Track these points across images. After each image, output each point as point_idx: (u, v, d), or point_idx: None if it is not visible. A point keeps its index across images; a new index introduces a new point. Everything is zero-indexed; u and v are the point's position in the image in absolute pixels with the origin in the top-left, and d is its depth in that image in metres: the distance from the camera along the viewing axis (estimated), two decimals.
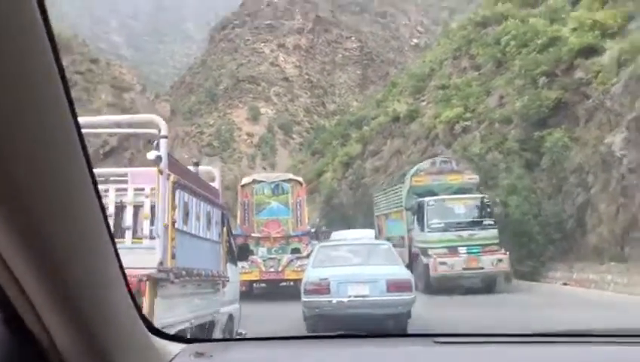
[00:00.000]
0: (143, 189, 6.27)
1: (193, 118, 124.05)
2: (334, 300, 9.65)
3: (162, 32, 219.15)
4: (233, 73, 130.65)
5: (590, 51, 23.25)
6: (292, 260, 16.45)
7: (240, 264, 10.64)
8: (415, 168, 23.38)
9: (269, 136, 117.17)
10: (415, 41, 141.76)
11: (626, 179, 17.59)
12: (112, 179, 6.72)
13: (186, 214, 6.02)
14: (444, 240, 18.84)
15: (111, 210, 5.92)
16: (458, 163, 23.14)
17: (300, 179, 18.82)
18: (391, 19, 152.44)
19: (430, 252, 18.81)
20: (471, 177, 21.97)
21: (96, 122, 7.27)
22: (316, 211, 50.33)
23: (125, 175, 6.77)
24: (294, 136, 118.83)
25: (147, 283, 4.81)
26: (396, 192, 24.06)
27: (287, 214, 17.66)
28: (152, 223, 5.74)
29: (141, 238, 6.02)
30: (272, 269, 16.03)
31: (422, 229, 19.74)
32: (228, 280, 7.76)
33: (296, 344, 1.72)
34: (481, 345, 1.57)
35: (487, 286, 18.39)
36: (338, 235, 23.77)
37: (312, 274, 10.26)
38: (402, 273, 10.25)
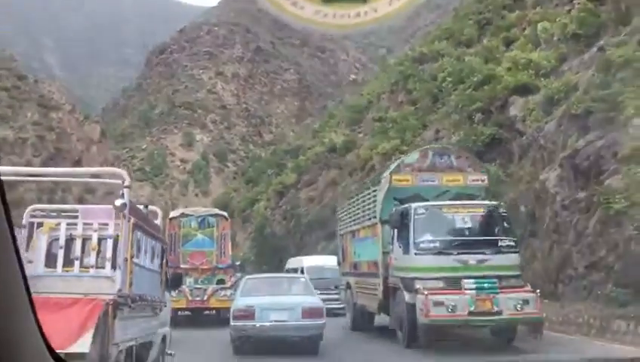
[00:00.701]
0: (91, 224, 7.06)
1: (125, 141, 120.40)
2: (258, 324, 11.38)
3: (98, 55, 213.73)
4: (169, 98, 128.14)
5: (524, 90, 23.52)
6: (217, 290, 17.57)
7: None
8: (397, 162, 15.72)
9: (203, 163, 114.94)
10: (353, 76, 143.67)
11: (559, 216, 17.48)
12: (63, 214, 7.70)
13: (139, 249, 6.96)
14: (439, 268, 12.07)
15: (61, 242, 6.88)
16: (459, 156, 15.38)
17: (225, 214, 19.65)
18: (330, 55, 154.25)
19: (418, 285, 11.88)
20: (477, 178, 14.84)
21: (65, 173, 8.50)
22: (248, 241, 48.97)
23: (76, 210, 7.66)
24: (229, 164, 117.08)
25: (110, 306, 5.50)
26: (368, 199, 15.65)
27: (212, 246, 18.77)
28: (100, 255, 6.93)
29: (88, 268, 6.92)
30: (197, 298, 17.12)
31: (406, 251, 12.57)
32: (165, 306, 8.86)
33: None
34: None
35: (505, 340, 12.50)
36: (295, 262, 23.60)
37: (239, 301, 12.03)
38: (315, 302, 12.11)
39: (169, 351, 8.72)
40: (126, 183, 6.31)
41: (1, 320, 0.93)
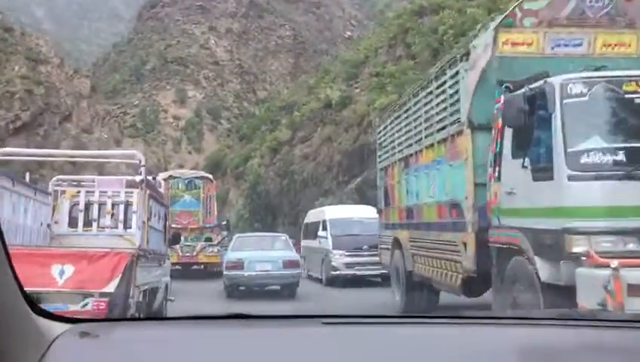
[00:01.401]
0: (106, 192, 8.98)
1: (116, 97, 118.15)
2: (246, 273, 13.50)
3: (88, 9, 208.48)
4: (161, 53, 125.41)
5: None
6: (205, 247, 18.81)
7: None
8: (504, 15, 8.02)
9: (196, 120, 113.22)
10: (348, 33, 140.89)
11: None
12: (82, 183, 9.55)
13: (151, 214, 8.18)
14: (625, 210, 5.65)
15: (81, 206, 8.82)
16: None
17: (211, 176, 20.41)
18: (325, 11, 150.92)
19: (579, 245, 5.56)
20: None
21: (86, 154, 11.65)
22: (241, 198, 48.12)
23: (93, 181, 9.56)
24: (222, 121, 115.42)
25: (134, 258, 6.65)
26: (442, 94, 9.04)
27: (198, 207, 19.80)
28: (114, 217, 8.93)
29: (104, 228, 8.90)
30: (187, 254, 18.26)
31: (542, 173, 6.20)
32: (168, 259, 10.55)
33: (184, 324, 1.69)
34: (368, 326, 1.61)
35: None
36: (315, 215, 19.75)
37: (231, 255, 14.16)
38: (293, 255, 14.50)
39: (170, 297, 9.83)
40: (142, 163, 7.64)
41: None
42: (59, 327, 1.36)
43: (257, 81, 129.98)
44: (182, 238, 17.41)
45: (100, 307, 6.43)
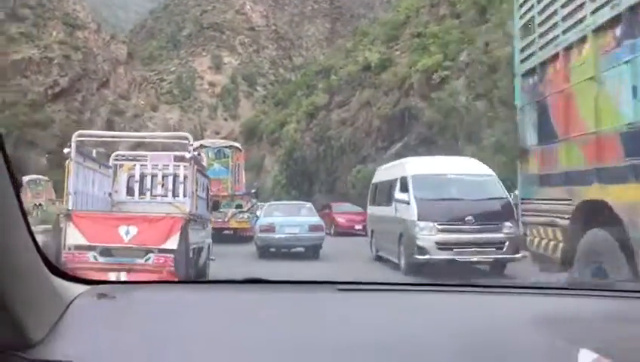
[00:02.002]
0: (157, 165, 10.40)
1: (153, 63, 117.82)
2: (277, 236, 14.84)
3: None
4: (197, 19, 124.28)
5: None
6: (236, 214, 19.32)
7: None
8: None
9: (232, 86, 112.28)
10: None
11: None
12: (137, 158, 10.92)
13: (197, 185, 9.19)
14: None
15: (137, 178, 10.35)
16: None
17: (239, 145, 21.22)
18: None
19: None
20: None
21: (145, 135, 17.36)
22: (277, 164, 47.08)
23: (146, 156, 10.88)
24: (258, 88, 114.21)
25: (187, 221, 8.10)
26: None
27: (227, 175, 20.36)
28: (164, 187, 10.39)
29: (156, 196, 10.30)
30: (219, 219, 18.33)
31: None
32: (210, 223, 11.52)
33: (201, 288, 1.72)
34: (383, 293, 1.63)
35: None
36: (388, 172, 14.30)
37: (264, 220, 15.54)
38: (318, 220, 15.71)
39: (212, 257, 10.62)
40: (191, 142, 8.73)
41: None
42: (77, 288, 1.38)
43: (293, 47, 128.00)
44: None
45: (160, 261, 7.75)
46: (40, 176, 32.76)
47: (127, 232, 7.81)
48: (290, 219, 15.38)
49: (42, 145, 70.80)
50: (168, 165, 10.44)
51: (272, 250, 15.11)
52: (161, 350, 1.20)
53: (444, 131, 27.08)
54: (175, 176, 10.32)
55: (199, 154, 10.90)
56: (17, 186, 1.05)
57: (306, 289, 1.67)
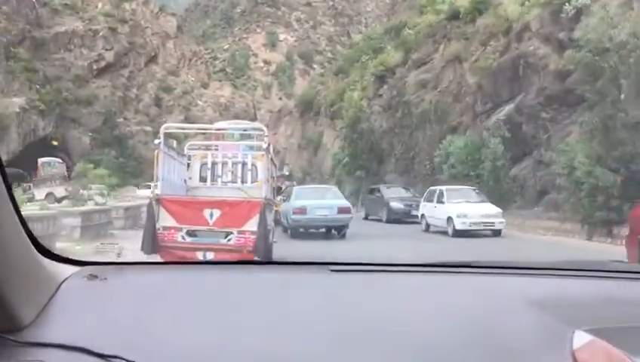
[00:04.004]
0: (227, 154, 11.08)
1: (207, 42, 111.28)
2: (309, 217, 15.86)
3: None
4: None
5: None
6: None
7: None
8: None
9: (288, 64, 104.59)
10: None
11: None
12: (210, 147, 11.83)
13: (269, 173, 10.18)
14: None
15: (209, 165, 10.91)
16: None
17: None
18: None
19: None
20: None
21: (223, 126, 13.34)
22: (338, 140, 38.82)
23: (217, 146, 11.64)
24: (315, 66, 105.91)
25: (265, 205, 8.50)
26: None
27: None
28: (235, 175, 10.99)
29: (226, 182, 10.86)
30: None
31: None
32: (275, 207, 12.32)
33: (192, 268, 1.72)
34: (375, 274, 1.59)
35: None
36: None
37: (296, 203, 16.22)
38: (346, 203, 16.70)
39: (274, 239, 10.35)
40: (266, 133, 10.44)
41: None
42: (67, 269, 1.36)
43: (352, 24, 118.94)
44: None
45: (240, 241, 8.21)
46: (54, 159, 31.87)
47: (212, 215, 8.26)
48: (320, 201, 16.10)
49: (86, 124, 65.10)
50: (237, 154, 10.97)
51: (302, 230, 15.84)
52: (152, 331, 1.18)
53: (583, 82, 18.14)
54: (243, 164, 10.85)
55: (269, 145, 10.39)
56: (2, 168, 1.01)
57: (298, 270, 1.63)
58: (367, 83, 35.48)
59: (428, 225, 18.37)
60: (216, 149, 11.36)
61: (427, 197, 18.79)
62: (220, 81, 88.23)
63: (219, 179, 10.79)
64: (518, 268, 1.74)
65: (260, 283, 1.47)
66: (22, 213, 1.13)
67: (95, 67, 69.19)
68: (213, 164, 10.87)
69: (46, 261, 1.27)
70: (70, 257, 1.44)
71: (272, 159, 10.56)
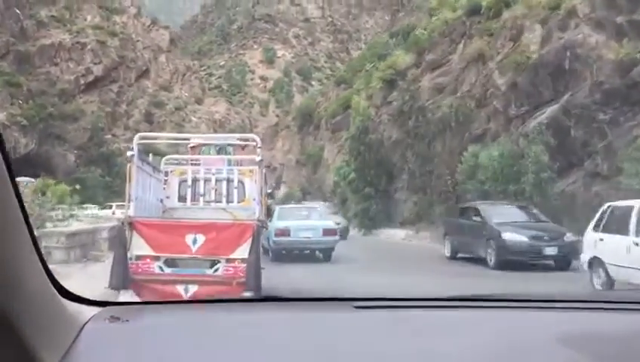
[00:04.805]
0: (210, 170, 9.68)
1: (203, 58, 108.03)
2: (292, 239, 14.82)
3: None
4: (249, 11, 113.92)
5: None
6: None
7: None
8: None
9: (286, 81, 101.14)
10: None
11: None
12: (190, 162, 10.20)
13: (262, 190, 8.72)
14: None
15: (189, 183, 9.50)
16: None
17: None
18: None
19: None
20: None
21: (209, 137, 13.82)
22: (340, 155, 34.78)
23: (199, 160, 10.06)
24: (313, 82, 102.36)
25: (258, 227, 7.33)
26: None
27: None
28: (220, 193, 9.62)
29: (209, 201, 9.47)
30: None
31: None
32: (267, 227, 11.33)
33: (214, 307, 1.68)
34: (401, 310, 1.54)
35: None
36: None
37: (279, 224, 15.01)
38: (331, 225, 15.73)
39: (262, 266, 8.74)
40: (259, 145, 8.50)
41: (4, 255, 0.94)
42: (88, 311, 1.34)
43: (351, 40, 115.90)
44: None
45: (229, 272, 7.04)
46: (27, 178, 28.09)
47: (195, 241, 7.08)
48: (303, 222, 15.25)
49: (71, 140, 61.17)
50: (222, 169, 9.77)
51: (284, 252, 14.75)
52: None
53: None
54: (229, 181, 9.59)
55: (262, 160, 8.73)
56: (21, 201, 0.98)
57: (321, 308, 1.59)
58: (374, 90, 31.55)
59: (610, 282, 9.26)
60: (198, 164, 10.01)
61: (608, 222, 9.58)
62: (214, 97, 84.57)
63: (201, 199, 9.54)
64: (541, 300, 1.69)
65: (284, 321, 1.42)
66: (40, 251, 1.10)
67: (82, 81, 65.44)
68: (194, 180, 9.61)
69: (67, 302, 1.23)
70: (90, 298, 1.39)
71: (265, 175, 9.24)
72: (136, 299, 6.31)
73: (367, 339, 1.30)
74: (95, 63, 66.37)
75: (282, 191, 42.47)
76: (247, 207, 8.64)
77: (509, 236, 12.79)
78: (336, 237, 15.10)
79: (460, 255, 15.09)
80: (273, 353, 1.21)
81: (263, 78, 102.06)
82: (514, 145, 19.00)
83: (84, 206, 31.78)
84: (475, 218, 14.52)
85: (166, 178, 9.66)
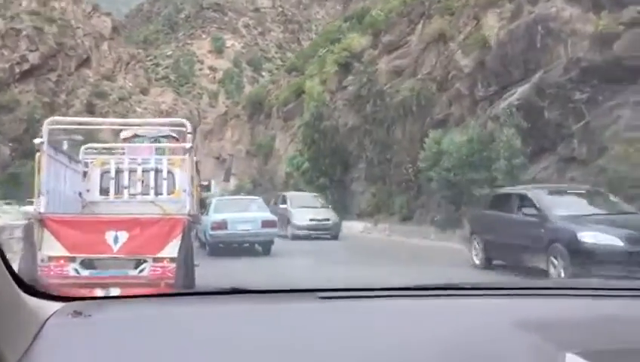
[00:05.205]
0: (135, 159, 8.78)
1: (149, 48, 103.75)
2: (230, 232, 14.36)
3: None
4: (196, 0, 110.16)
5: None
6: None
7: None
8: None
9: (235, 71, 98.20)
10: None
11: None
12: (113, 151, 9.57)
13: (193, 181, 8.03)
14: None
15: (112, 174, 8.64)
16: None
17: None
18: None
19: None
20: None
21: (134, 122, 11.86)
22: (293, 144, 32.74)
23: (123, 148, 9.40)
24: (264, 73, 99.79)
25: (188, 223, 6.67)
26: None
27: None
28: (144, 183, 8.75)
29: (135, 194, 8.58)
30: None
31: None
32: (200, 223, 11.07)
33: (177, 300, 1.65)
34: (366, 300, 1.55)
35: None
36: None
37: (215, 217, 14.57)
38: (270, 216, 15.03)
39: (196, 263, 8.05)
40: (189, 130, 7.60)
41: None
42: (50, 306, 1.30)
43: (302, 30, 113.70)
44: None
45: (156, 272, 6.33)
46: None
47: (116, 239, 6.38)
48: (241, 215, 14.72)
49: (6, 132, 57.00)
50: (149, 159, 8.85)
51: (221, 245, 14.29)
52: None
53: None
54: (157, 172, 8.71)
55: (191, 147, 8.04)
56: None
57: (285, 299, 1.57)
58: (328, 75, 29.60)
59: None
60: (122, 153, 9.30)
61: None
62: (161, 87, 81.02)
63: (125, 191, 8.80)
64: (505, 288, 1.68)
65: (250, 313, 1.40)
66: None
67: (17, 70, 61.02)
68: (118, 171, 8.87)
69: (28, 297, 1.20)
70: (52, 293, 1.34)
71: (196, 165, 8.65)
72: None
73: (332, 329, 1.29)
74: (31, 50, 62.12)
75: (232, 183, 40.12)
76: (178, 200, 7.84)
77: (590, 237, 8.77)
78: (276, 229, 14.86)
79: (496, 262, 11.21)
80: (238, 345, 1.19)
81: (212, 69, 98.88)
82: (482, 129, 17.41)
83: (9, 201, 28.85)
84: (524, 209, 10.22)
85: (86, 169, 8.84)
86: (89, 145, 9.82)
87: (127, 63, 72.65)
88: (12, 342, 1.06)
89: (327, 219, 19.46)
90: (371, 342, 1.23)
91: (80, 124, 13.44)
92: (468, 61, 19.94)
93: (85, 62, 67.40)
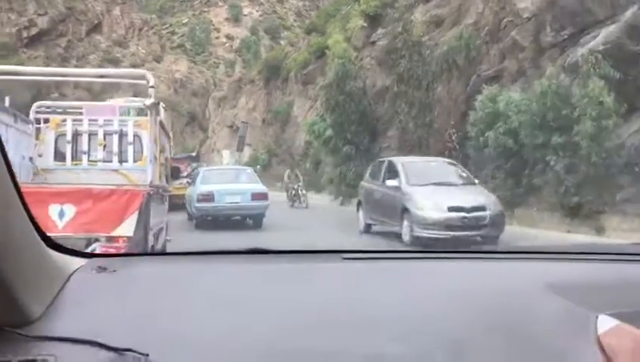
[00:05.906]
0: (96, 121, 7.86)
1: (165, 16, 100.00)
2: (217, 205, 13.61)
3: None
4: None
5: None
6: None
7: None
8: None
9: (253, 40, 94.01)
10: None
11: None
12: (69, 110, 8.35)
13: (158, 145, 7.05)
14: None
15: (69, 137, 7.76)
16: None
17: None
18: None
19: None
20: None
21: (90, 73, 10.10)
22: (313, 110, 29.14)
23: (81, 107, 8.44)
24: (282, 42, 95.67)
25: (147, 195, 5.69)
26: None
27: None
28: (106, 149, 7.83)
29: (96, 161, 7.77)
30: None
31: None
32: (169, 193, 9.20)
33: (202, 259, 1.64)
34: (388, 261, 1.58)
35: None
36: None
37: (202, 188, 13.98)
38: (261, 188, 14.30)
39: (167, 238, 8.41)
40: (150, 84, 6.26)
41: None
42: (75, 262, 1.32)
43: None
44: None
45: (110, 252, 5.25)
46: None
47: (62, 214, 5.49)
48: (230, 186, 14.04)
49: (12, 100, 54.32)
50: (112, 120, 7.88)
51: (209, 218, 13.69)
52: (163, 323, 1.14)
53: None
54: (122, 135, 7.79)
55: (158, 103, 6.95)
56: (7, 159, 0.98)
57: (309, 259, 1.59)
58: (354, 30, 25.80)
59: None
60: (80, 113, 8.12)
61: None
62: (174, 54, 77.53)
63: (84, 157, 7.78)
64: (538, 252, 1.63)
65: (272, 272, 1.39)
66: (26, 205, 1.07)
67: (25, 35, 57.97)
68: (76, 134, 7.79)
69: (54, 253, 1.23)
70: (78, 250, 1.37)
71: (162, 125, 7.46)
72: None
73: (356, 287, 1.31)
74: (40, 15, 58.83)
75: (246, 153, 36.76)
76: (145, 168, 6.79)
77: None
78: (267, 202, 14.10)
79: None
80: (263, 302, 1.20)
81: (229, 37, 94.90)
82: (552, 83, 13.66)
83: None
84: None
85: (38, 130, 7.94)
86: (41, 102, 8.79)
87: (140, 29, 69.19)
88: (38, 295, 1.07)
89: (482, 208, 10.83)
90: (392, 301, 1.20)
91: (21, 74, 10.55)
92: (528, 3, 16.11)
93: (96, 28, 64.05)
